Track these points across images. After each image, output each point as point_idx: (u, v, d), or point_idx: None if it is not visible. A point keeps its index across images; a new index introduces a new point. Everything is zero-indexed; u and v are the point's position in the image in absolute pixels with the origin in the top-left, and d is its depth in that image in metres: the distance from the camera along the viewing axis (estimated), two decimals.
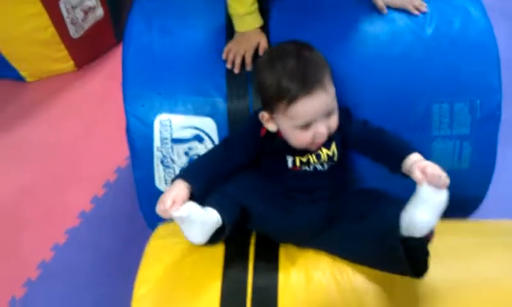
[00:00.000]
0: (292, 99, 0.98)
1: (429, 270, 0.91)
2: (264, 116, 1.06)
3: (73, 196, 1.76)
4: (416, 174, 0.90)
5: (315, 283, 0.97)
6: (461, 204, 1.26)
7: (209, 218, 0.96)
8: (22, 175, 1.86)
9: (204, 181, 1.03)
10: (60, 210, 1.73)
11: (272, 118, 1.05)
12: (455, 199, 1.22)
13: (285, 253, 1.03)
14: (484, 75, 1.17)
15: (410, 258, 0.90)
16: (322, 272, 0.99)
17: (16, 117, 2.07)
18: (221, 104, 1.17)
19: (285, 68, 0.99)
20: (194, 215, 0.94)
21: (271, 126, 1.07)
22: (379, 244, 0.93)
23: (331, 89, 1.01)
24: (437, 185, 0.88)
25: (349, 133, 1.10)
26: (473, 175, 1.20)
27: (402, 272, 0.93)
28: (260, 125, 1.09)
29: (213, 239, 0.98)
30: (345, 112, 1.10)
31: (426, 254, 0.92)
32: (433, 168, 0.89)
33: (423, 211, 0.89)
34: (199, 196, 1.00)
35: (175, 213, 0.93)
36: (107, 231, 1.64)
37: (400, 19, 1.22)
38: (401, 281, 0.96)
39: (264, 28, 1.23)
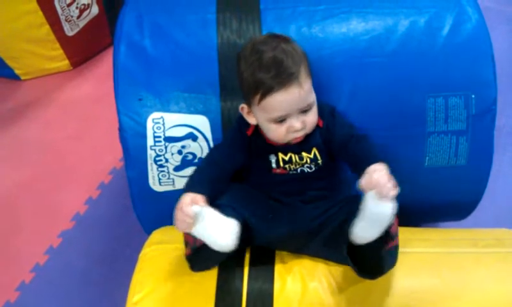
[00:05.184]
0: (265, 92, 0.97)
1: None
2: (243, 108, 1.06)
3: (67, 198, 1.74)
4: (361, 181, 0.86)
5: (311, 292, 0.97)
6: (459, 204, 1.27)
7: (229, 220, 0.91)
8: (14, 175, 1.84)
9: (209, 189, 0.98)
10: (54, 212, 1.71)
11: (251, 111, 1.04)
12: (452, 198, 1.23)
13: (280, 261, 1.02)
14: (478, 69, 1.16)
15: (360, 259, 0.92)
16: (318, 281, 0.98)
17: (10, 116, 2.06)
18: (215, 101, 1.15)
19: (261, 60, 0.97)
20: (214, 214, 0.90)
21: (251, 119, 1.06)
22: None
23: (306, 84, 0.99)
24: (380, 194, 0.82)
25: (333, 140, 1.06)
26: (470, 172, 1.19)
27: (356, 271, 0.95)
28: (247, 123, 1.08)
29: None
30: (329, 115, 1.08)
31: (377, 258, 0.91)
32: (380, 175, 0.84)
33: (362, 224, 0.86)
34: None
35: (196, 208, 0.88)
36: (102, 234, 1.63)
37: (394, 15, 1.20)
38: (400, 293, 0.96)
39: (256, 17, 1.21)
